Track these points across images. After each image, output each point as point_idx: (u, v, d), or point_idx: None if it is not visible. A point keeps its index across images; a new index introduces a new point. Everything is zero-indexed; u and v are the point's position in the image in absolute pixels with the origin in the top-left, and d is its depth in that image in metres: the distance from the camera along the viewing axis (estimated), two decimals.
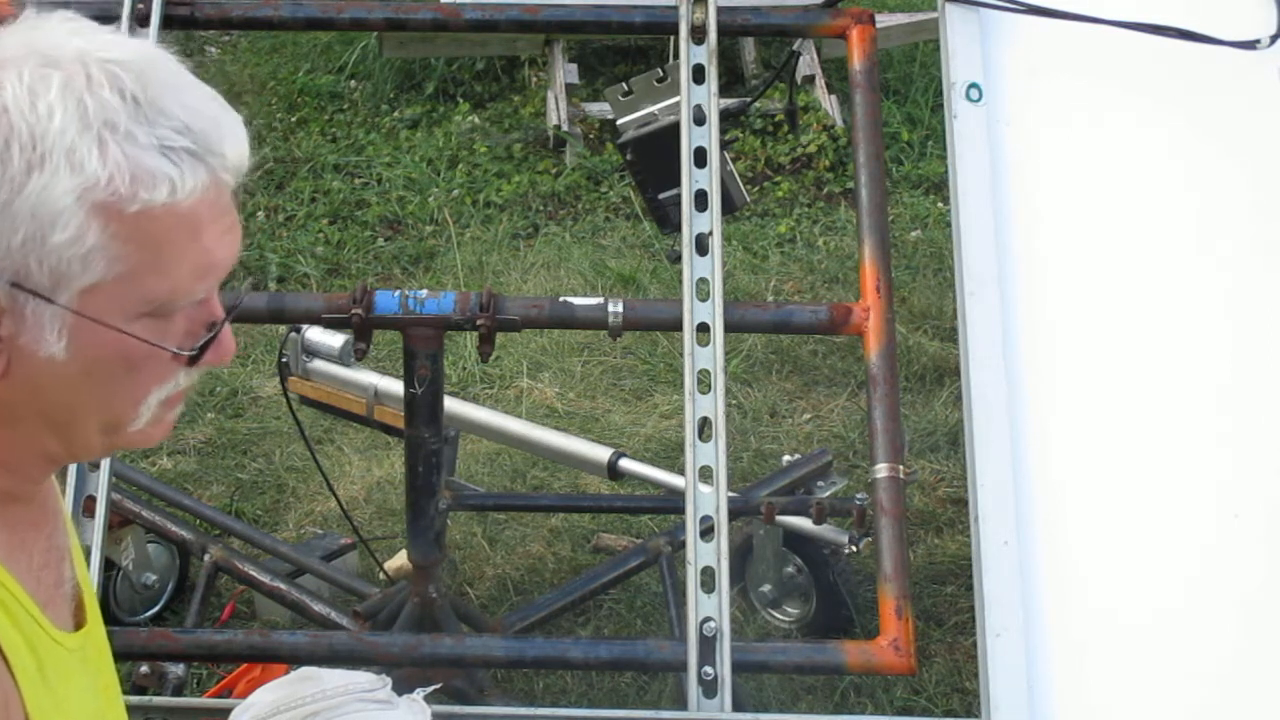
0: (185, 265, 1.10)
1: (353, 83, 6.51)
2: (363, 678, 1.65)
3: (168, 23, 2.27)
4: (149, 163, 1.05)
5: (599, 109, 5.89)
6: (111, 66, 1.06)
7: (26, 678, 1.10)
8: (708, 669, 1.88)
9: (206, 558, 3.09)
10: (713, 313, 2.08)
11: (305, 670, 1.66)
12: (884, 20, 4.39)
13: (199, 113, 1.10)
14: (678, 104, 2.29)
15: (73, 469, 2.02)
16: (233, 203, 1.14)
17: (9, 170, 1.03)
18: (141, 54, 1.10)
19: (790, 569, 3.40)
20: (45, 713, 1.12)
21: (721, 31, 2.24)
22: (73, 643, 1.19)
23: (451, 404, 3.03)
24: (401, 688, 1.71)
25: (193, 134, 1.08)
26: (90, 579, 1.31)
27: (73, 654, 1.19)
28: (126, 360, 1.11)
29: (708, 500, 1.97)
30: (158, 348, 1.11)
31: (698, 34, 2.24)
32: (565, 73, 5.99)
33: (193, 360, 1.14)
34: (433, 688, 1.68)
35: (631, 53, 6.55)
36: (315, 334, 3.26)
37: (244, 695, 2.75)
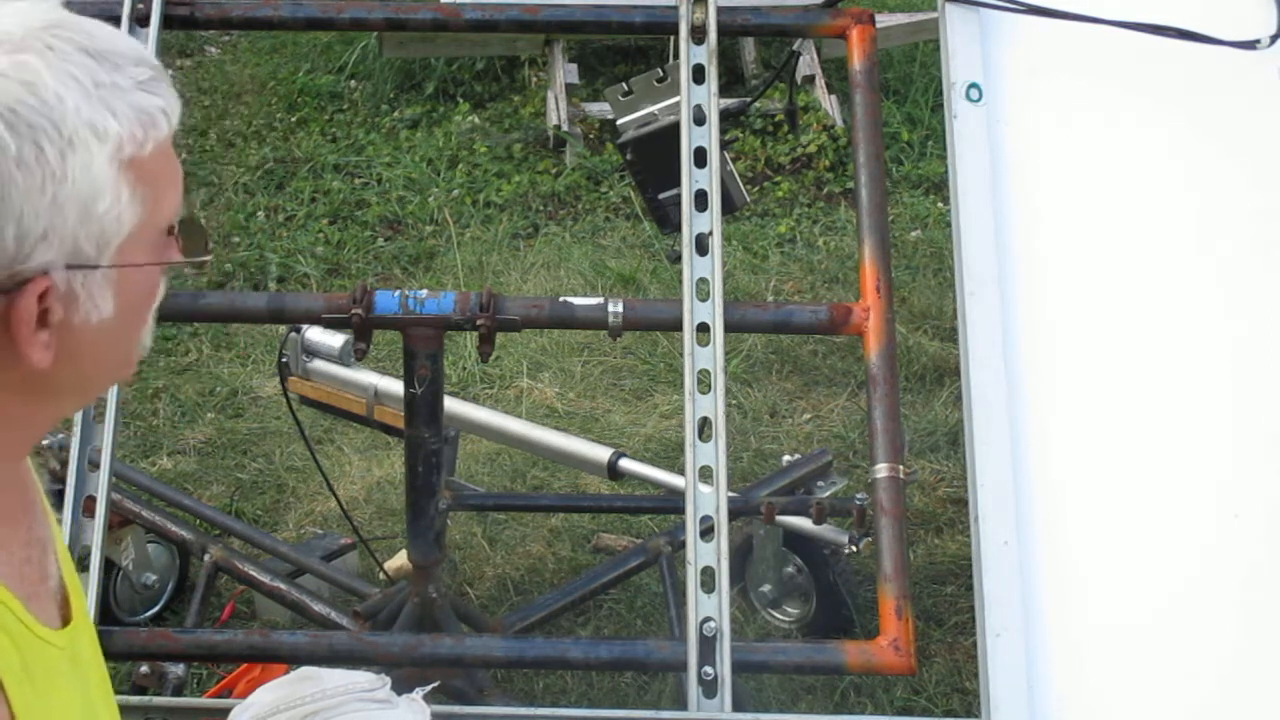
0: (174, 183, 1.13)
1: (353, 83, 6.51)
2: (363, 677, 1.65)
3: (168, 23, 2.27)
4: (144, 103, 1.08)
5: (599, 109, 5.89)
6: (57, 30, 1.07)
7: (11, 676, 1.09)
8: (708, 669, 1.88)
9: (206, 558, 3.09)
10: (713, 313, 2.08)
11: (305, 670, 1.66)
12: (884, 20, 4.40)
13: (123, 39, 1.12)
14: (678, 104, 2.29)
15: (72, 469, 2.02)
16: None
17: (47, 166, 1.03)
18: (55, 12, 1.11)
19: (790, 569, 3.40)
20: (33, 713, 1.11)
21: (721, 31, 2.24)
22: (60, 640, 1.19)
23: (451, 404, 3.03)
24: (401, 687, 1.71)
25: (143, 60, 1.11)
26: (77, 573, 1.29)
27: (61, 652, 1.18)
28: (152, 290, 1.15)
29: (708, 500, 1.97)
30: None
31: (698, 34, 2.24)
32: (565, 73, 5.99)
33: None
34: (431, 686, 1.68)
35: (631, 53, 6.55)
36: (315, 334, 3.26)
37: (244, 695, 2.75)
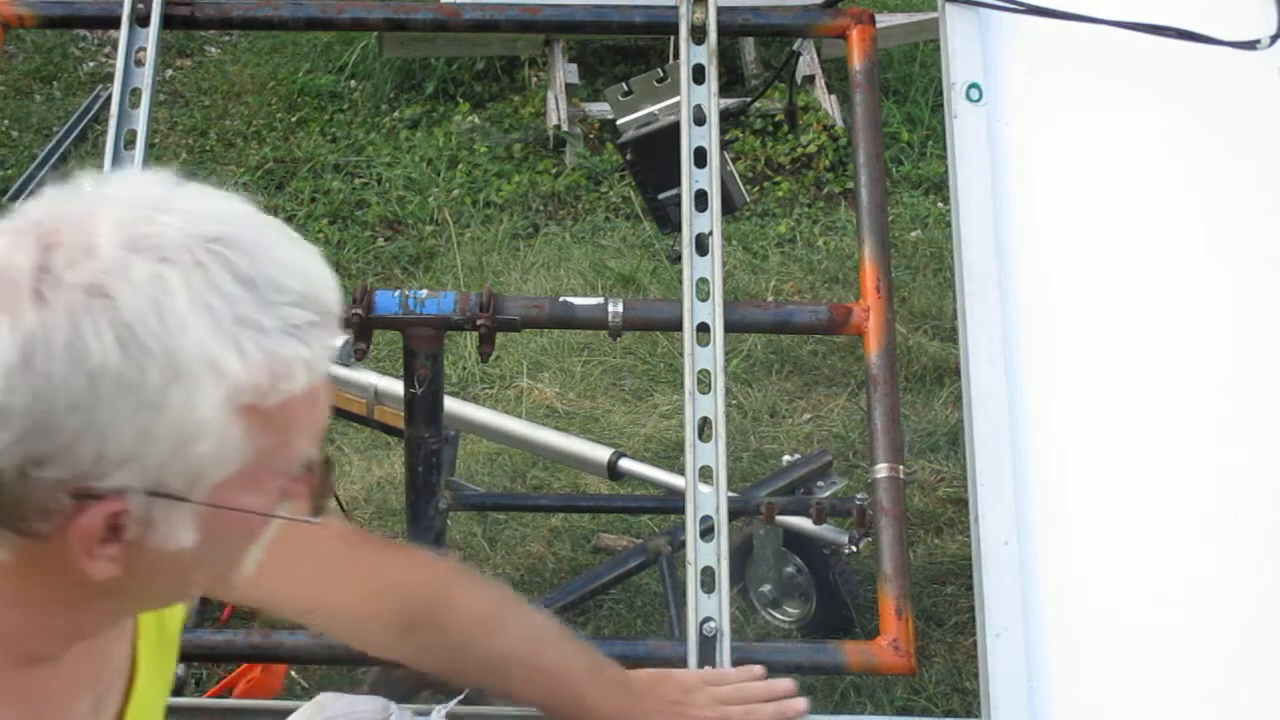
0: (309, 429, 1.05)
1: (353, 83, 6.51)
2: (368, 705, 1.65)
3: (168, 23, 2.27)
4: (283, 351, 0.99)
5: (599, 109, 5.89)
6: (217, 247, 0.98)
7: None
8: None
9: None
10: (713, 313, 2.08)
11: (320, 698, 1.67)
12: (884, 20, 4.39)
13: (303, 273, 1.02)
14: (678, 104, 2.29)
15: None
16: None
17: (146, 394, 0.94)
18: (235, 217, 1.02)
19: (790, 569, 3.40)
20: None
21: (721, 31, 2.24)
22: None
23: (451, 404, 3.03)
24: (404, 688, 1.71)
25: (308, 302, 1.01)
26: None
27: None
28: (250, 532, 1.07)
29: (708, 500, 1.97)
30: (285, 519, 1.07)
31: (698, 34, 2.24)
32: (565, 73, 5.99)
33: (314, 518, 1.10)
34: (454, 702, 1.68)
35: (631, 53, 6.55)
36: None
37: (244, 695, 2.76)
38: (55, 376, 0.93)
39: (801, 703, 1.76)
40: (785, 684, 1.78)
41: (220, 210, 1.01)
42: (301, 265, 1.03)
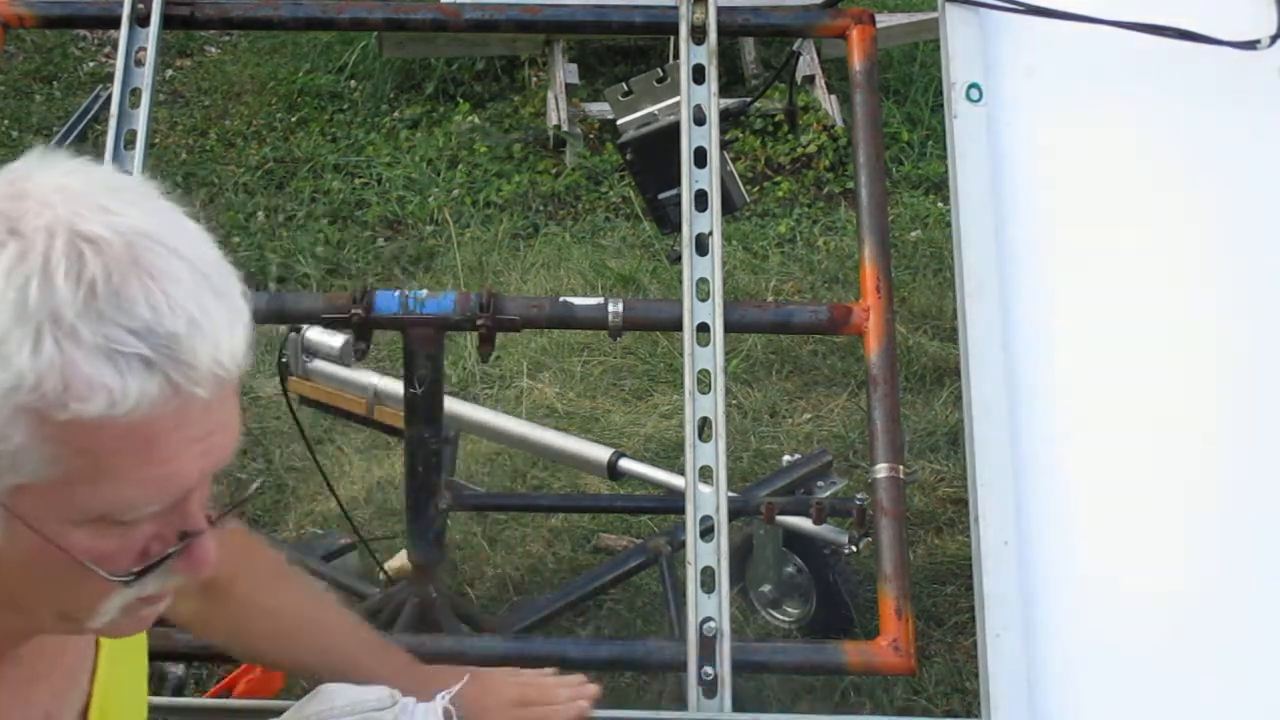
0: (134, 477, 0.97)
1: (353, 83, 6.51)
2: (373, 695, 1.65)
3: (168, 23, 2.27)
4: (87, 368, 0.91)
5: (599, 109, 5.89)
6: (81, 244, 0.92)
7: None
8: (708, 669, 1.88)
9: None
10: (713, 313, 2.08)
11: (322, 687, 1.66)
12: (884, 20, 4.39)
13: (174, 311, 0.94)
14: (678, 104, 2.29)
15: None
16: (219, 404, 0.99)
17: None
18: (133, 230, 0.94)
19: (790, 569, 3.40)
20: None
21: (721, 31, 2.24)
22: None
23: (451, 404, 3.03)
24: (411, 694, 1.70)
25: (154, 337, 0.93)
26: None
27: None
28: (64, 566, 0.99)
29: (708, 500, 1.97)
30: (87, 567, 0.99)
31: (698, 34, 2.24)
32: (565, 73, 5.99)
33: (130, 583, 1.01)
34: (457, 687, 1.67)
35: (631, 53, 6.55)
36: (315, 334, 3.25)
37: (244, 695, 2.76)
38: None
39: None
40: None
41: (140, 225, 0.95)
42: (180, 304, 0.94)
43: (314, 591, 1.70)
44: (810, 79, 6.11)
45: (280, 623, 1.63)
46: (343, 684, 1.63)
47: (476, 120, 6.18)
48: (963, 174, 2.07)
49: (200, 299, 0.95)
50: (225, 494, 1.16)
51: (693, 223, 2.13)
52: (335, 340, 3.24)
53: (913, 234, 5.40)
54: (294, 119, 6.27)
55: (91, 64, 6.81)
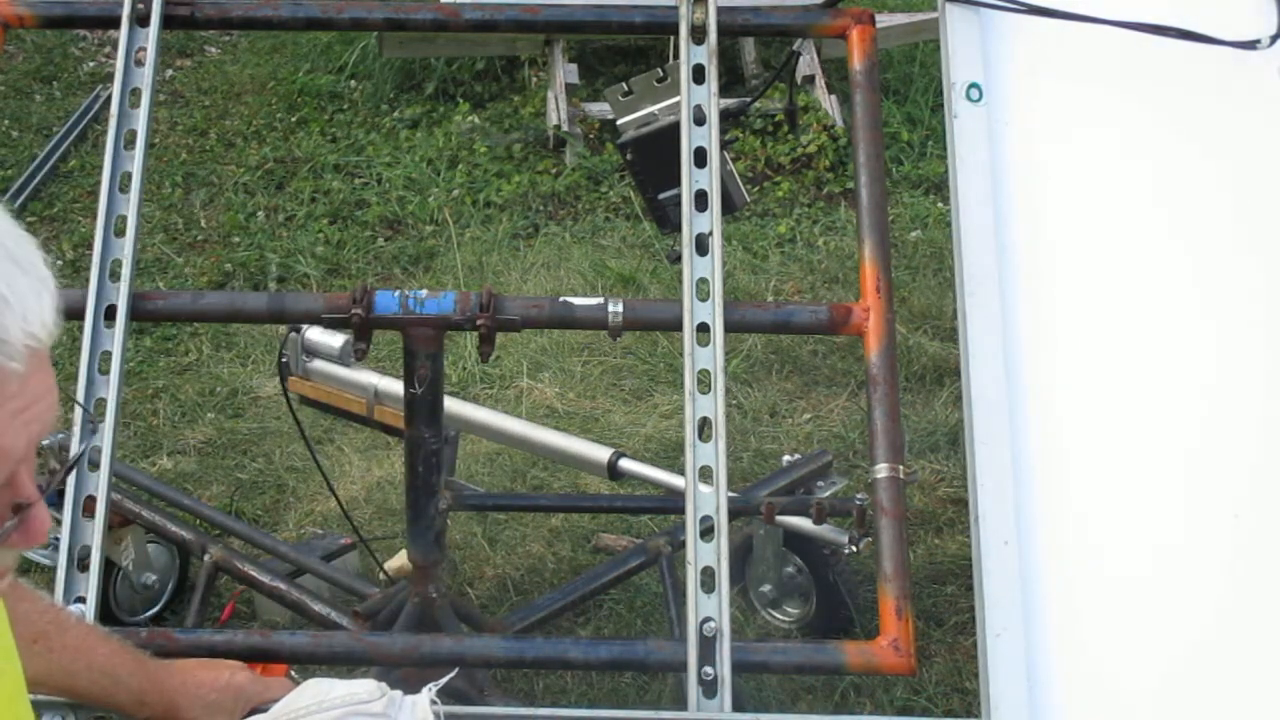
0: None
1: (353, 83, 6.51)
2: (364, 688, 1.65)
3: (168, 23, 2.27)
4: None
5: (599, 109, 5.89)
6: None
7: None
8: (708, 669, 1.88)
9: (206, 558, 3.09)
10: (713, 313, 2.08)
11: (314, 680, 1.67)
12: (884, 20, 4.40)
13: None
14: (678, 104, 2.29)
15: None
16: (35, 374, 0.99)
17: None
18: None
19: (790, 569, 3.40)
20: None
21: (721, 31, 2.24)
22: None
23: (451, 404, 3.03)
24: (403, 688, 1.71)
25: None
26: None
27: None
28: None
29: (708, 500, 1.97)
30: None
31: (698, 34, 2.24)
32: (565, 73, 5.99)
33: None
34: (445, 679, 1.67)
35: (631, 53, 6.56)
36: (315, 334, 3.26)
37: None
38: None
39: None
40: None
41: None
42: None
43: (85, 628, 1.70)
44: (810, 79, 6.11)
45: (68, 659, 1.63)
46: (332, 678, 1.64)
47: (476, 120, 6.18)
48: (963, 174, 2.07)
49: (4, 274, 0.96)
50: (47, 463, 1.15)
51: (693, 223, 2.13)
52: (335, 340, 3.24)
53: (913, 234, 5.40)
54: (294, 119, 6.27)
55: (91, 64, 6.82)
